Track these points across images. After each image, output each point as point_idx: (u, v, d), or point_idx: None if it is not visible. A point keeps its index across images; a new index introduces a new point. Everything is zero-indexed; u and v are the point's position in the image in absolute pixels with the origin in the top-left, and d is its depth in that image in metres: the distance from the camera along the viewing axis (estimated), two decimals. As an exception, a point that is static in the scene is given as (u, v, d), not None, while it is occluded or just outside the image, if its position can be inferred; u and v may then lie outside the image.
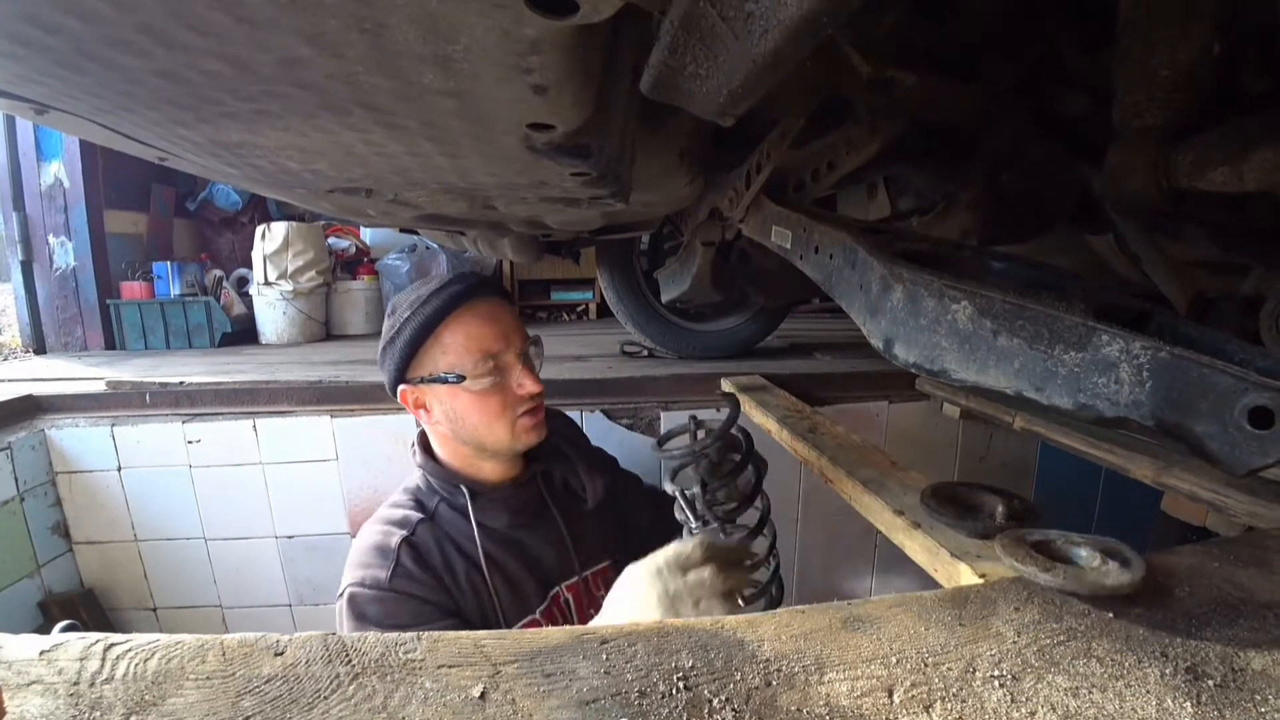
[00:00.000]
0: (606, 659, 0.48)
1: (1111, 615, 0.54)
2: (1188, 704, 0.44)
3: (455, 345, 1.05)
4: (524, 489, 1.16)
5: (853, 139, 1.19)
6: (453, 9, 0.36)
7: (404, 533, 1.05)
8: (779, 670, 0.47)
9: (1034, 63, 1.10)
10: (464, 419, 1.07)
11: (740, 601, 0.80)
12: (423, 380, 1.07)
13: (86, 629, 0.50)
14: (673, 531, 0.99)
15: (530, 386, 1.07)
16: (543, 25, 0.37)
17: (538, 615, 1.11)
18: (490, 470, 1.13)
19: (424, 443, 1.17)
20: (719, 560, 0.77)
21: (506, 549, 1.11)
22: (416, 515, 1.09)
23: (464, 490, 1.10)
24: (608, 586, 0.83)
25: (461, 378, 1.04)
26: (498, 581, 1.08)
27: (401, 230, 1.74)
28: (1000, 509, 0.75)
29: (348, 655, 0.48)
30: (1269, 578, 0.61)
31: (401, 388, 1.09)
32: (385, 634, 0.50)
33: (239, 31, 0.46)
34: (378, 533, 1.07)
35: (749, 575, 0.85)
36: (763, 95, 0.56)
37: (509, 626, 1.06)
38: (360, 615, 0.98)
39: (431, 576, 1.03)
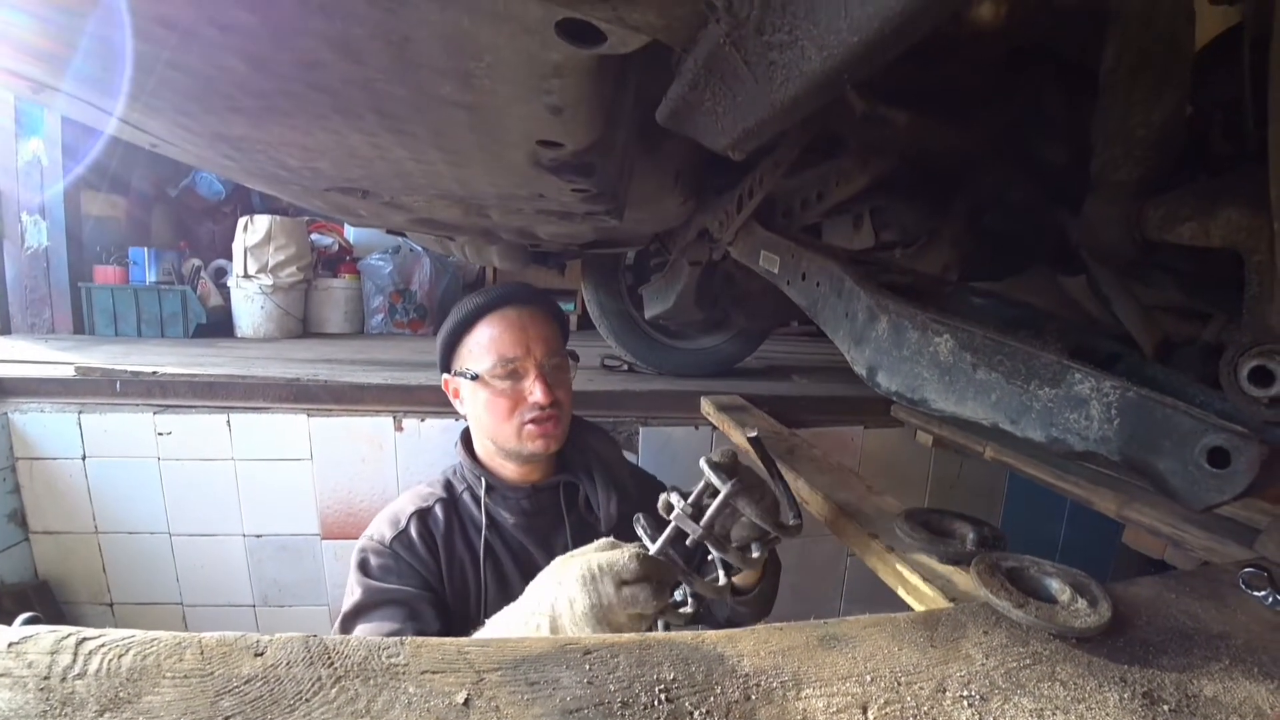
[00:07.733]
0: (589, 669, 0.49)
1: (1074, 642, 0.56)
2: (1144, 730, 0.46)
3: (479, 345, 1.15)
4: (541, 495, 1.21)
5: (843, 171, 1.23)
6: (484, 30, 0.38)
7: (421, 505, 1.17)
8: (758, 685, 0.49)
9: (1020, 112, 1.15)
10: (480, 415, 1.17)
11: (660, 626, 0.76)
12: (456, 373, 1.18)
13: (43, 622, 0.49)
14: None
15: (538, 396, 1.12)
16: (568, 51, 0.38)
17: None
18: (510, 470, 1.21)
19: (465, 434, 1.27)
20: (653, 579, 0.72)
21: (509, 548, 1.18)
22: (440, 495, 1.20)
23: (483, 482, 1.19)
24: None
25: (477, 376, 1.14)
26: (489, 577, 1.14)
27: (388, 231, 1.74)
28: (971, 535, 0.78)
29: (330, 658, 0.48)
30: (1222, 610, 0.64)
31: (444, 376, 1.23)
32: (368, 638, 0.50)
33: (263, 31, 0.46)
34: (401, 500, 1.20)
35: (676, 609, 0.79)
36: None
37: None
38: (361, 564, 1.10)
39: (427, 551, 1.13)
